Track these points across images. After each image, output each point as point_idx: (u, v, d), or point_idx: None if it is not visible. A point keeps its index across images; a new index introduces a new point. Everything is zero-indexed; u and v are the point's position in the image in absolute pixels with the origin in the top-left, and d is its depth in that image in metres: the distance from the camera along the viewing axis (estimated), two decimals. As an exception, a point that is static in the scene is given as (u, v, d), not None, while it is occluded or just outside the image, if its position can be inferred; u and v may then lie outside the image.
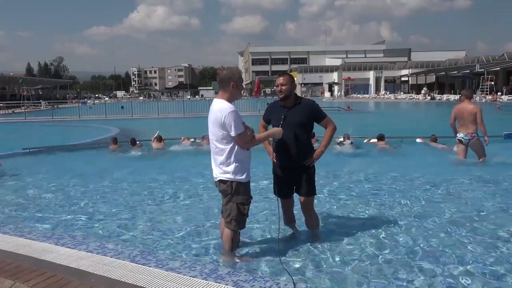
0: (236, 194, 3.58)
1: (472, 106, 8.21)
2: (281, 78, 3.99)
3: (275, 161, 4.08)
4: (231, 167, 3.53)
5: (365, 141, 11.70)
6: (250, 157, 3.71)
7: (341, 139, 10.93)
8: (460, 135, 8.28)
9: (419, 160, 9.42)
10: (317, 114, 4.04)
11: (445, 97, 43.88)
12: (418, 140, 11.51)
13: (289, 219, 4.38)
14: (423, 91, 49.20)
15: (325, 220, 4.93)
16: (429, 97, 45.83)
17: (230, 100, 3.56)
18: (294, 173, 4.03)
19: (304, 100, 4.10)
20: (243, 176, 3.57)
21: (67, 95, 65.29)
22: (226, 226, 3.69)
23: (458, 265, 3.64)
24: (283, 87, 3.95)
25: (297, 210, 4.38)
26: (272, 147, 4.04)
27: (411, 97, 51.44)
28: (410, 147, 11.10)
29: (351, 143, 10.87)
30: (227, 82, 3.56)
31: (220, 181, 3.62)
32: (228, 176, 3.55)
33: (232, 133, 3.44)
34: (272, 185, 4.17)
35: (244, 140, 3.51)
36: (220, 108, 3.49)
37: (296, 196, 4.23)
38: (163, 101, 43.17)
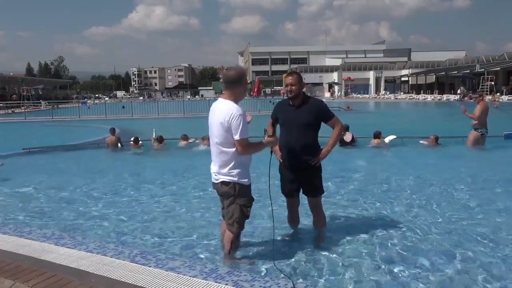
0: (239, 196, 3.55)
1: (488, 104, 10.53)
2: (290, 78, 3.96)
3: (281, 160, 4.09)
4: (235, 170, 3.49)
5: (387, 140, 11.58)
6: (251, 159, 3.70)
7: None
8: (482, 130, 10.08)
9: (417, 159, 9.44)
10: (324, 114, 4.01)
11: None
12: (421, 141, 11.48)
13: (293, 219, 4.40)
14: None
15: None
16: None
17: (236, 101, 3.50)
18: (301, 172, 4.02)
19: (312, 100, 4.07)
20: (246, 179, 3.55)
21: (73, 96, 65.30)
22: (228, 228, 3.66)
23: (461, 265, 3.65)
24: (293, 87, 3.93)
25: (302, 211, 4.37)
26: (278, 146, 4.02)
27: (411, 97, 50.99)
28: (408, 147, 11.12)
29: (352, 137, 10.91)
30: (236, 83, 3.49)
31: (223, 183, 3.56)
32: (232, 178, 3.51)
33: (237, 137, 3.36)
34: (264, 186, 4.15)
35: (243, 146, 3.42)
36: (228, 110, 3.39)
37: (302, 197, 4.23)
38: (163, 101, 43.13)
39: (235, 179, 3.51)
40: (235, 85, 3.50)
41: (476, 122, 10.06)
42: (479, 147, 10.17)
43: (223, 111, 3.42)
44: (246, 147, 3.44)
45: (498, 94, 38.04)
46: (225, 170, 3.51)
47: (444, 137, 11.46)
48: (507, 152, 10.48)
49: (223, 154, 3.49)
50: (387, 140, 11.16)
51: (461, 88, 46.56)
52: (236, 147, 3.43)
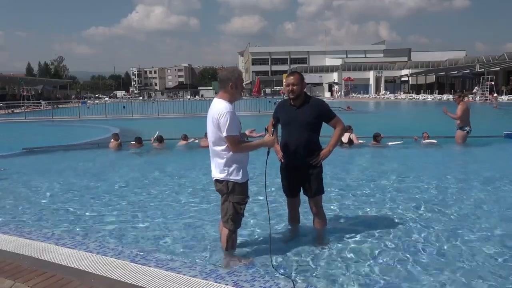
0: (232, 194, 3.58)
1: (468, 104, 10.96)
2: (292, 78, 3.95)
3: (282, 160, 4.09)
4: (228, 167, 3.53)
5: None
6: (249, 157, 3.71)
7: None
8: (467, 128, 10.58)
9: (416, 159, 9.43)
10: (325, 114, 4.01)
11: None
12: (423, 141, 11.50)
13: (293, 218, 4.41)
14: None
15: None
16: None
17: (230, 100, 3.55)
18: (301, 172, 4.02)
19: (313, 100, 4.06)
20: (240, 177, 3.56)
21: (72, 96, 65.31)
22: (224, 226, 3.71)
23: (462, 265, 3.65)
24: (294, 87, 3.92)
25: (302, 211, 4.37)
26: (280, 146, 4.02)
27: (411, 97, 50.79)
28: (408, 146, 11.12)
29: (349, 139, 10.91)
30: (226, 83, 3.56)
31: (217, 180, 3.63)
32: (225, 176, 3.56)
33: (224, 133, 3.41)
34: (261, 186, 4.14)
35: (233, 143, 3.45)
36: (218, 108, 3.48)
37: (303, 197, 4.23)
38: (163, 101, 43.12)
39: (228, 176, 3.55)
40: (226, 85, 3.55)
41: (459, 121, 10.63)
42: (464, 144, 10.57)
43: (213, 109, 3.52)
44: (236, 144, 3.47)
45: (495, 94, 37.96)
46: (219, 167, 3.58)
47: (440, 137, 11.49)
48: (507, 152, 10.50)
49: (217, 152, 3.56)
50: (391, 144, 11.23)
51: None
52: (228, 144, 3.47)
